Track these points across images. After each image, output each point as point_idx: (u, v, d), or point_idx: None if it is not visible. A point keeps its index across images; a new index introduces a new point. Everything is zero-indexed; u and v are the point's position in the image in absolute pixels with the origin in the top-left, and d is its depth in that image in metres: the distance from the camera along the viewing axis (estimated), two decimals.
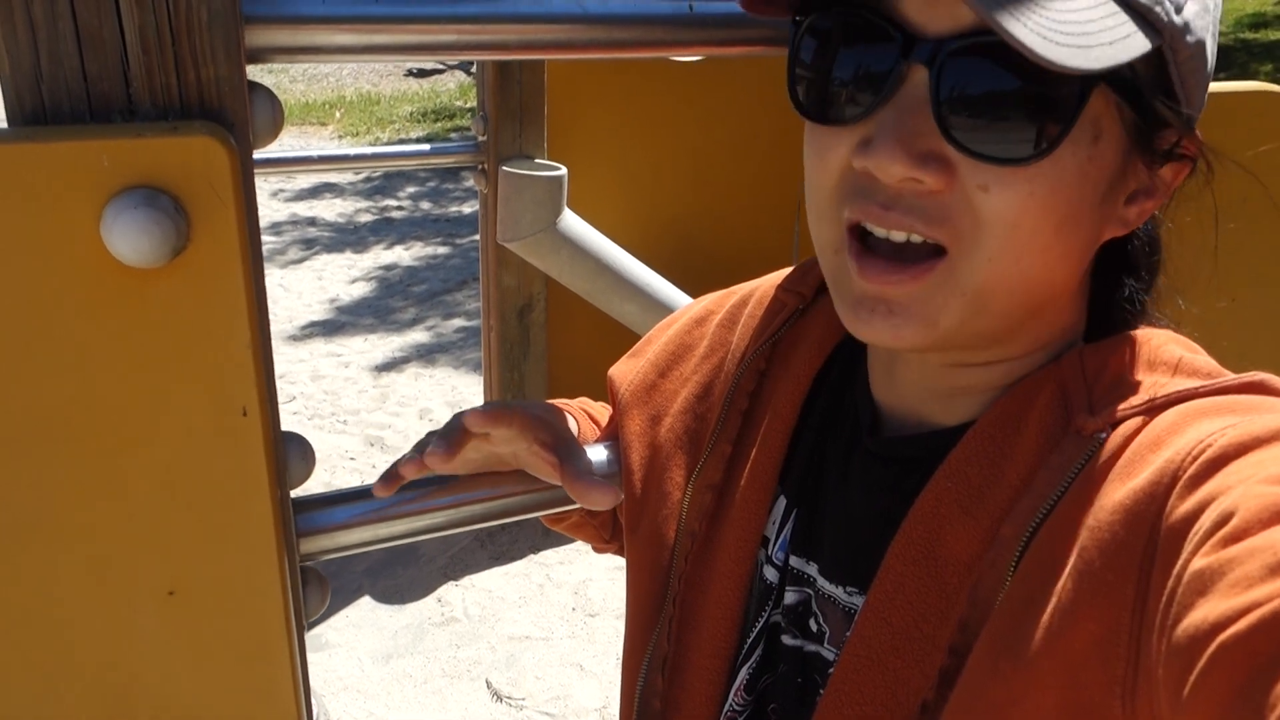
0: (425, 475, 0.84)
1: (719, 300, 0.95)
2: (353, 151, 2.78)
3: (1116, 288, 0.72)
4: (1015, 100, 0.58)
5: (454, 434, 0.82)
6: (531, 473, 0.88)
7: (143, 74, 0.62)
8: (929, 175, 0.59)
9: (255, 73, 0.66)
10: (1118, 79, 0.59)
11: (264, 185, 8.48)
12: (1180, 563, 0.51)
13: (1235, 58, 9.31)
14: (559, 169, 2.74)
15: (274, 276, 6.43)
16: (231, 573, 0.73)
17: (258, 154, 0.73)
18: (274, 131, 0.70)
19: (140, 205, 0.60)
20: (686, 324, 0.94)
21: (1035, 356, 0.69)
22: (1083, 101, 0.58)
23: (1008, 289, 0.62)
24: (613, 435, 0.95)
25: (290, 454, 0.77)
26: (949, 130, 0.59)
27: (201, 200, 0.63)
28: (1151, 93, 0.61)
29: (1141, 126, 0.62)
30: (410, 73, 12.74)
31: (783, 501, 0.80)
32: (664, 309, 2.73)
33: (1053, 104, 0.58)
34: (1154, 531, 0.54)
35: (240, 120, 0.66)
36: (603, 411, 1.04)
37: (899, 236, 0.62)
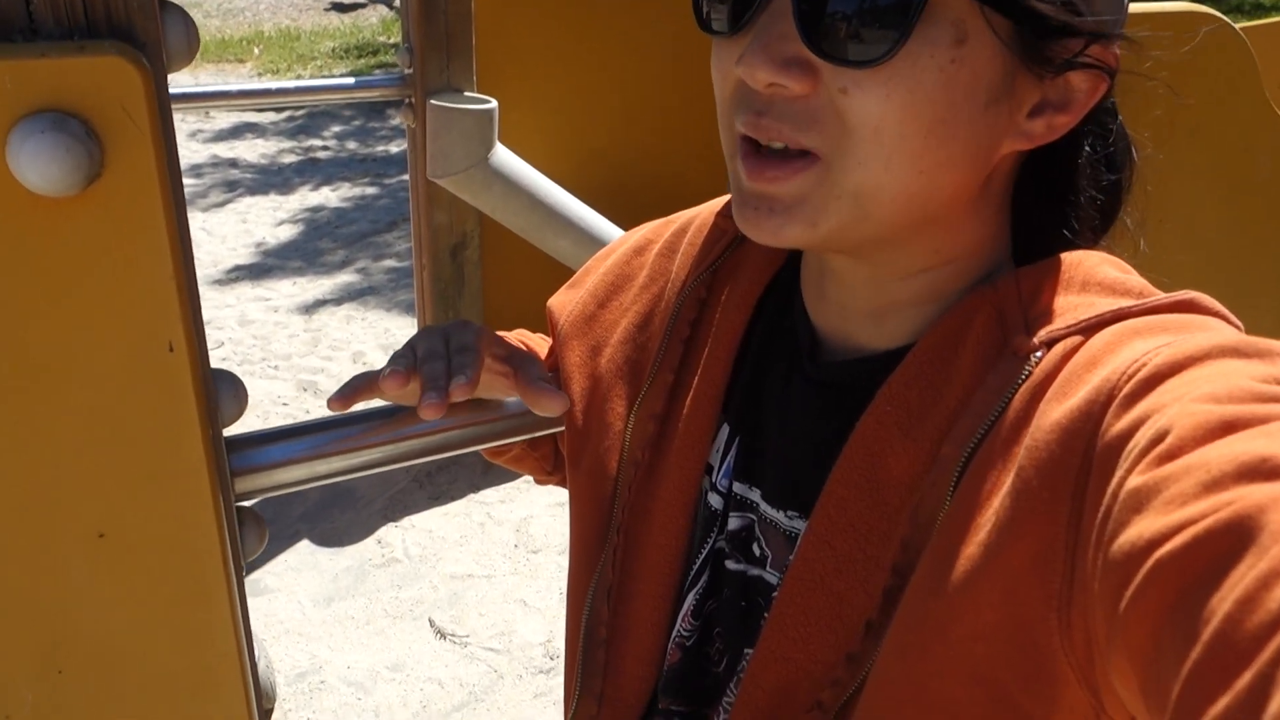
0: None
1: (658, 229, 0.94)
2: (274, 86, 2.68)
3: (1044, 208, 0.71)
4: (865, 4, 0.59)
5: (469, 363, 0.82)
6: (481, 392, 0.87)
7: None
8: (791, 80, 0.60)
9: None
10: None
11: (182, 125, 8.18)
12: (1116, 480, 0.51)
13: None
14: (489, 102, 2.68)
15: (196, 220, 6.24)
16: (164, 514, 0.71)
17: (175, 89, 0.69)
18: (189, 54, 0.66)
19: (48, 129, 0.56)
20: (625, 253, 0.93)
21: (950, 270, 0.69)
22: (921, 3, 0.58)
23: (887, 195, 0.63)
24: (552, 367, 0.94)
25: (221, 392, 0.75)
26: (808, 35, 0.60)
27: (115, 124, 0.60)
28: None
29: (1022, 32, 0.60)
30: (332, 7, 12.34)
31: (726, 429, 0.80)
32: (599, 243, 2.71)
33: (897, 5, 0.58)
34: (1090, 449, 0.55)
35: (152, 40, 0.62)
36: (541, 343, 1.03)
37: (777, 145, 0.63)
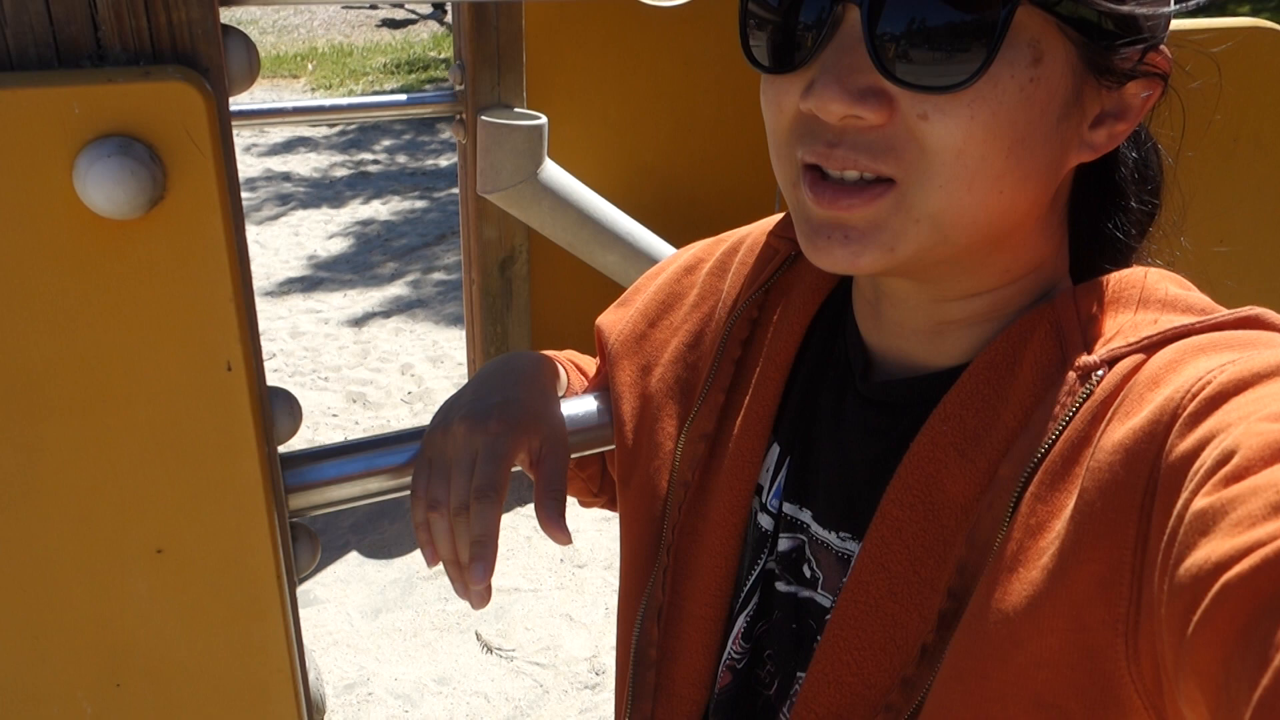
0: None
1: (708, 248, 0.93)
2: (328, 103, 2.72)
3: (1102, 220, 0.71)
4: (944, 28, 0.58)
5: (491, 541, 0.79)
6: None
7: (111, 17, 0.60)
8: (868, 110, 0.59)
9: (228, 20, 0.63)
10: None
11: (237, 140, 8.33)
12: (1181, 501, 0.50)
13: None
14: (539, 118, 2.70)
15: (250, 233, 6.36)
16: (220, 530, 0.72)
17: (231, 107, 0.71)
18: (250, 77, 0.68)
19: (114, 154, 0.58)
20: (676, 272, 0.93)
21: (1014, 289, 0.69)
22: (1007, 22, 0.57)
23: (968, 218, 0.62)
24: (601, 386, 0.94)
25: (277, 409, 0.76)
26: (884, 64, 0.59)
27: (178, 148, 0.61)
28: (1088, 5, 0.59)
29: (1089, 44, 0.60)
30: (383, 23, 12.53)
31: (776, 449, 0.79)
32: (647, 259, 2.72)
33: (980, 28, 0.57)
34: (1154, 470, 0.53)
35: (215, 65, 0.63)
36: (590, 363, 1.03)
37: (850, 175, 0.62)
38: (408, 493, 0.86)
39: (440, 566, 0.82)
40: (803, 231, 0.66)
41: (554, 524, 0.79)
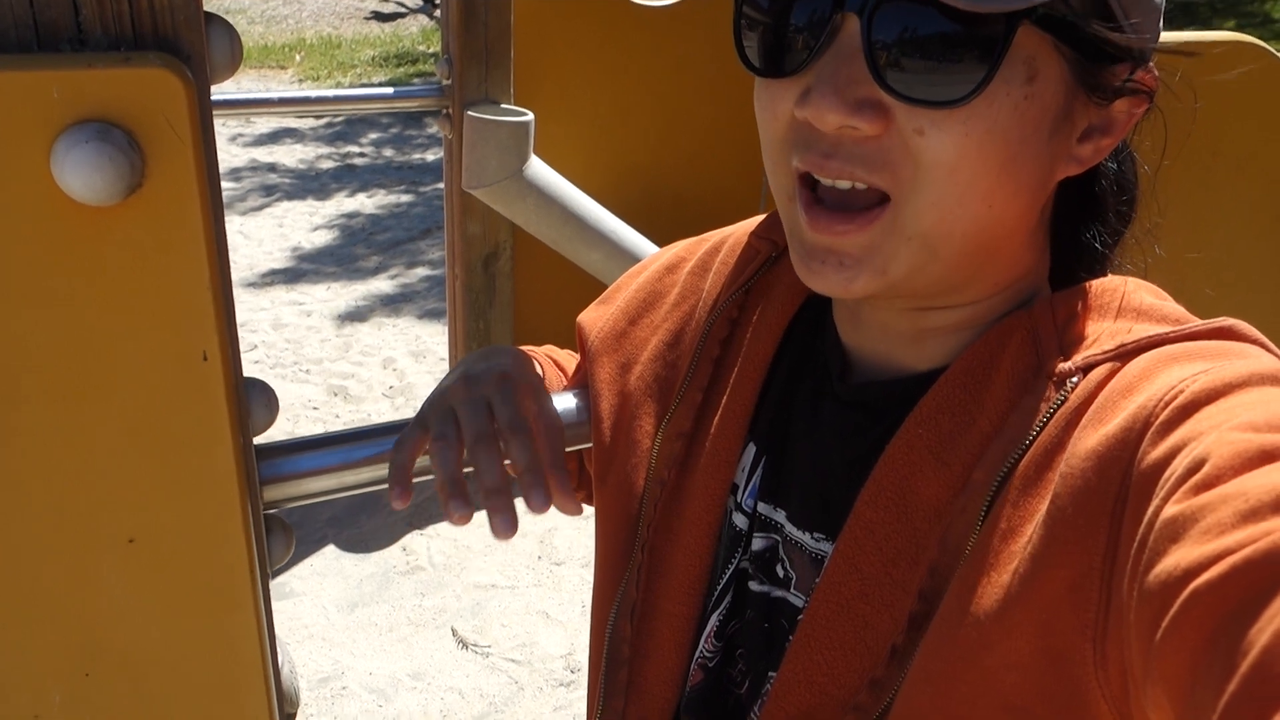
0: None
1: (690, 247, 0.94)
2: (314, 94, 2.71)
3: (1081, 230, 0.72)
4: (943, 43, 0.58)
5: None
6: None
7: (93, 1, 0.59)
8: (864, 121, 0.59)
9: (211, 8, 0.63)
10: (1047, 16, 0.58)
11: (222, 130, 8.28)
12: (1152, 509, 0.51)
13: (1199, 13, 9.34)
14: (526, 114, 2.70)
15: (234, 224, 6.32)
16: (193, 521, 0.72)
17: (216, 95, 0.70)
18: (232, 66, 0.67)
19: (92, 139, 0.57)
20: (657, 271, 0.93)
21: (999, 299, 0.69)
22: (1008, 41, 0.57)
23: (958, 232, 0.62)
24: (580, 383, 0.94)
25: (253, 400, 0.76)
26: (881, 76, 0.59)
27: (157, 136, 0.61)
28: (1089, 25, 0.59)
29: (1083, 62, 0.61)
30: (372, 16, 12.48)
31: (752, 449, 0.80)
32: (631, 258, 2.72)
33: (979, 45, 0.58)
34: (1126, 477, 0.54)
35: (197, 52, 0.63)
36: (569, 359, 1.03)
37: (843, 184, 0.62)
38: (384, 486, 0.85)
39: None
40: (796, 252, 0.66)
41: (564, 495, 0.77)
